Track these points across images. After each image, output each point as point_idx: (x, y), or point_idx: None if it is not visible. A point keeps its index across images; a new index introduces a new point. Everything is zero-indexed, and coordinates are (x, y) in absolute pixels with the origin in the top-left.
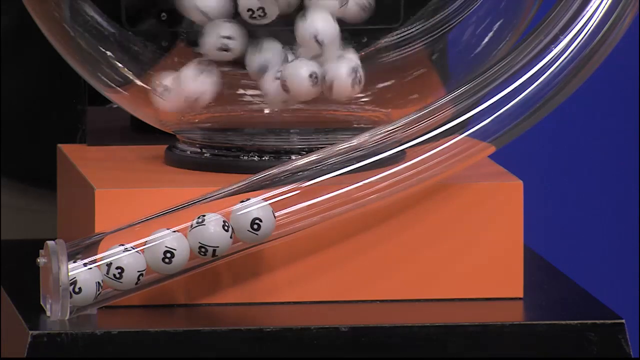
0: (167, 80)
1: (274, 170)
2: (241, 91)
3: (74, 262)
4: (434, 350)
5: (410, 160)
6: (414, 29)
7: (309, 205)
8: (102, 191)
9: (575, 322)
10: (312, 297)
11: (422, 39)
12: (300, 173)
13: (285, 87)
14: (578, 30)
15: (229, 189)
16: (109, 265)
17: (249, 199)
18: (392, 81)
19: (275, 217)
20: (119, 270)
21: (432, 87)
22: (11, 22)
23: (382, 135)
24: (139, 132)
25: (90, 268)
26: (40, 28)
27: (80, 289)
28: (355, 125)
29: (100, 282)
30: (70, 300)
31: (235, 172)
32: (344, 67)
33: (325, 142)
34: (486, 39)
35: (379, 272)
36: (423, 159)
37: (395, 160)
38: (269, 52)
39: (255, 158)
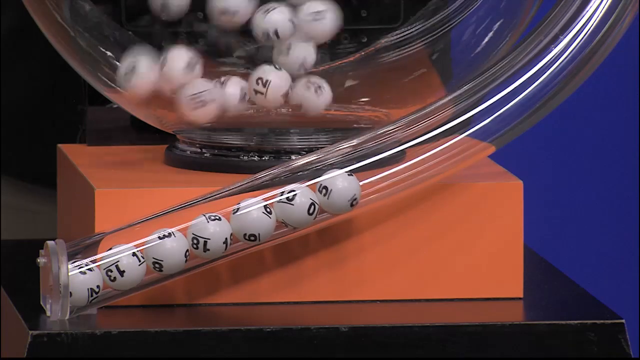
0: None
1: (274, 170)
2: None
3: (73, 262)
4: (434, 350)
5: (410, 160)
6: (414, 29)
7: None
8: (102, 191)
9: (575, 322)
10: (312, 297)
11: (422, 39)
12: (300, 173)
13: None
14: (578, 30)
15: (229, 189)
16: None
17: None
18: (392, 81)
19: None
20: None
21: (432, 87)
22: (11, 22)
23: (382, 135)
24: (139, 132)
25: (85, 273)
26: (40, 28)
27: (70, 293)
28: (355, 125)
29: (95, 287)
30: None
31: (235, 172)
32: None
33: (325, 142)
34: (486, 39)
35: (379, 272)
36: (423, 159)
37: (395, 160)
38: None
39: (255, 158)
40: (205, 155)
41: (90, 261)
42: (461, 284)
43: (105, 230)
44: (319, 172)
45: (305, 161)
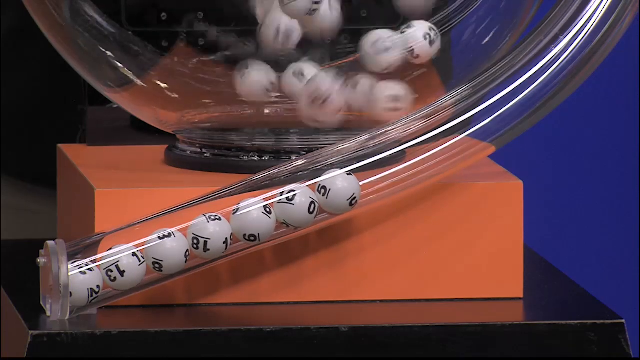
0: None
1: (274, 170)
2: None
3: (73, 262)
4: (434, 350)
5: (410, 160)
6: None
7: None
8: (102, 191)
9: (575, 322)
10: (312, 297)
11: None
12: (300, 173)
13: None
14: (578, 30)
15: (229, 189)
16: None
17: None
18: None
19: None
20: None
21: (432, 87)
22: (11, 22)
23: (382, 135)
24: (139, 132)
25: (85, 273)
26: (40, 28)
27: (70, 293)
28: (355, 125)
29: (95, 287)
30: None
31: (235, 172)
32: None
33: (325, 142)
34: (486, 39)
35: (379, 272)
36: (423, 159)
37: (395, 160)
38: None
39: (255, 158)
40: (205, 155)
41: (90, 261)
42: (461, 284)
43: (105, 230)
44: (319, 172)
45: (305, 161)
